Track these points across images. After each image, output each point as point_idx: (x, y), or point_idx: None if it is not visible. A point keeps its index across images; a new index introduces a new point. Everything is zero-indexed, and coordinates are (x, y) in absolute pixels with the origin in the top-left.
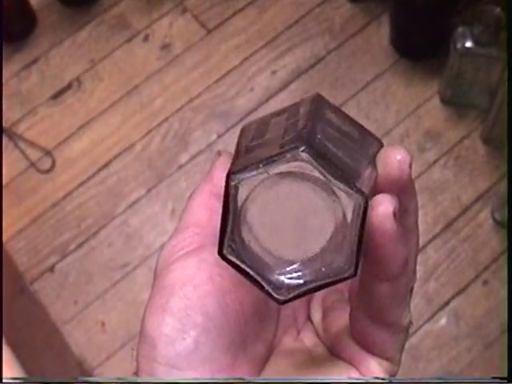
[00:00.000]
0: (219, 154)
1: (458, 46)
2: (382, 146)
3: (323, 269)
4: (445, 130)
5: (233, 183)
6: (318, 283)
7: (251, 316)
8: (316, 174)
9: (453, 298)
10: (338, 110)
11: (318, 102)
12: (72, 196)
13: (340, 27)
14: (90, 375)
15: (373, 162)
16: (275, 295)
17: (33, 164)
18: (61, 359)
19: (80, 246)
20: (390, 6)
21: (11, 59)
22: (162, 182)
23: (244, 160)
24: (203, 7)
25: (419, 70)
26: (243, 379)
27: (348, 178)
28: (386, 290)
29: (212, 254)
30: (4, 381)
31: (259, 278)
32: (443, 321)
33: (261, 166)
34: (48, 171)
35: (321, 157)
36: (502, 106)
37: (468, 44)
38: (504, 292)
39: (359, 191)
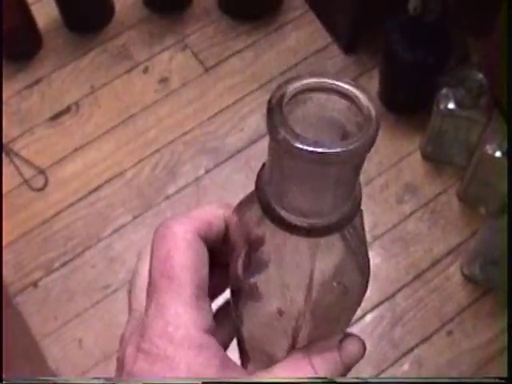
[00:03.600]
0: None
1: (441, 106)
2: None
3: None
4: (423, 185)
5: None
6: None
7: None
8: None
9: (417, 345)
10: None
11: None
12: (61, 215)
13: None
14: None
15: None
16: None
17: (26, 181)
18: (37, 371)
19: (65, 264)
20: (380, 61)
21: (14, 78)
22: (148, 211)
23: None
24: (203, 46)
25: (403, 125)
26: (243, 379)
27: None
28: None
29: None
30: (4, 381)
31: None
32: (406, 366)
33: None
34: (40, 189)
35: None
36: (478, 166)
37: (450, 105)
38: (467, 343)
39: None
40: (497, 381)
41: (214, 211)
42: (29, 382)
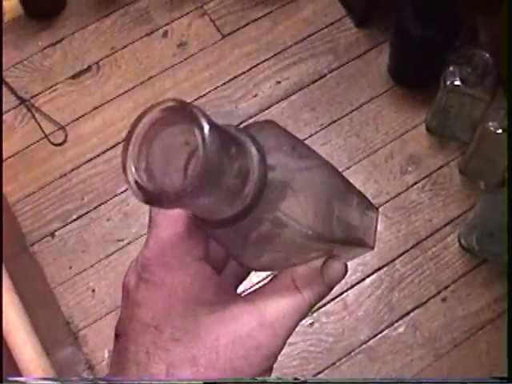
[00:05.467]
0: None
1: (448, 82)
2: None
3: None
4: (426, 157)
5: None
6: None
7: None
8: None
9: (413, 309)
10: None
11: None
12: (79, 170)
13: (344, 49)
14: (76, 335)
15: None
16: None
17: (46, 136)
18: (51, 316)
19: (81, 217)
20: (391, 36)
21: (38, 36)
22: None
23: None
24: (221, 13)
25: (410, 99)
26: (243, 379)
27: None
28: None
29: None
30: (4, 381)
31: None
32: (401, 329)
33: None
34: (60, 144)
35: None
36: (480, 142)
37: (456, 82)
38: (461, 310)
39: None
40: (497, 381)
41: None
42: (32, 382)
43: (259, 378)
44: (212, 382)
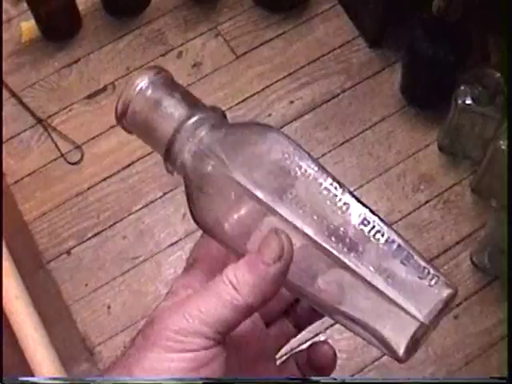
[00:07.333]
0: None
1: (459, 101)
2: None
3: None
4: (438, 176)
5: None
6: None
7: None
8: None
9: None
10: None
11: None
12: (95, 189)
13: (357, 69)
14: (92, 352)
15: None
16: None
17: (63, 155)
18: (67, 333)
19: (97, 234)
20: (403, 56)
21: (54, 57)
22: (177, 188)
23: None
24: (235, 34)
25: (422, 119)
26: (243, 379)
27: None
28: None
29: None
30: (4, 381)
31: None
32: None
33: None
34: (76, 163)
35: None
36: (492, 160)
37: (468, 101)
38: (473, 328)
39: None
40: (497, 381)
41: None
42: (30, 381)
43: (262, 377)
44: (212, 382)
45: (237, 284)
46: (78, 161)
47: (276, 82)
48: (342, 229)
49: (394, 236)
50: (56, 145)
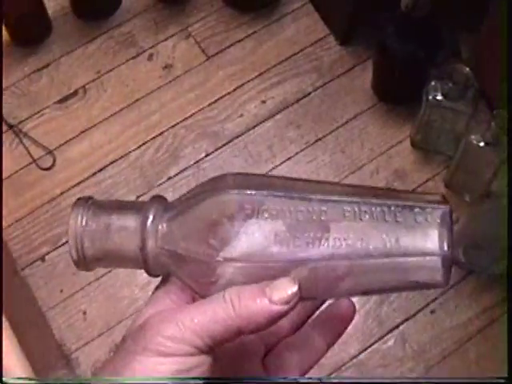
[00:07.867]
0: None
1: (430, 97)
2: None
3: None
4: (412, 171)
5: None
6: None
7: None
8: None
9: (402, 323)
10: None
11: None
12: (68, 194)
13: (328, 67)
14: (68, 358)
15: None
16: None
17: (35, 161)
18: (43, 340)
19: None
20: (374, 53)
21: (24, 62)
22: (150, 191)
23: None
24: (205, 35)
25: (394, 115)
26: (243, 379)
27: None
28: None
29: None
30: (4, 381)
31: None
32: (391, 342)
33: None
34: (48, 169)
35: None
36: (464, 155)
37: (438, 97)
38: (449, 322)
39: None
40: (497, 381)
41: None
42: (28, 382)
43: (262, 377)
44: (213, 381)
45: (237, 305)
46: (50, 166)
47: (247, 82)
48: (333, 235)
49: (373, 206)
50: (28, 150)
